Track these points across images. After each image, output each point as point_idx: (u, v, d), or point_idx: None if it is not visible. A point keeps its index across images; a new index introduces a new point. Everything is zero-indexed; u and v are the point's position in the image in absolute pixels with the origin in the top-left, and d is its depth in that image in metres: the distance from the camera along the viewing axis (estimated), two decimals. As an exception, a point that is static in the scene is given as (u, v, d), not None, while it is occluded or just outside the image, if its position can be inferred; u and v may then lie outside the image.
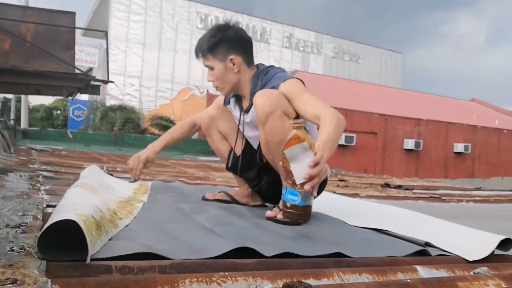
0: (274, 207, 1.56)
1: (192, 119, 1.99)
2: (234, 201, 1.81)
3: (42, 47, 6.23)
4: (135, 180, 2.03)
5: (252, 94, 1.59)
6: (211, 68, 1.62)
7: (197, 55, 1.65)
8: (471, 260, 1.11)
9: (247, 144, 1.76)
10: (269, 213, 1.49)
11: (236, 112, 1.73)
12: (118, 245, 0.92)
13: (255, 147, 1.72)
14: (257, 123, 1.54)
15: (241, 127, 1.72)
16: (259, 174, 1.73)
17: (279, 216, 1.45)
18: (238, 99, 1.72)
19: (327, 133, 1.36)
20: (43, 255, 0.79)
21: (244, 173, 1.77)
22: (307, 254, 1.01)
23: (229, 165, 1.80)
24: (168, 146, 2.04)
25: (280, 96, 1.50)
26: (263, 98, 1.49)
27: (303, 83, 1.57)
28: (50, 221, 0.81)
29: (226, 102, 1.79)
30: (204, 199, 1.81)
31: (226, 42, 1.59)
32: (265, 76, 1.60)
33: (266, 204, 1.82)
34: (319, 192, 1.60)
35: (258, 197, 1.82)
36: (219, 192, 1.85)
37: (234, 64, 1.60)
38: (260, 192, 1.78)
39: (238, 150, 1.77)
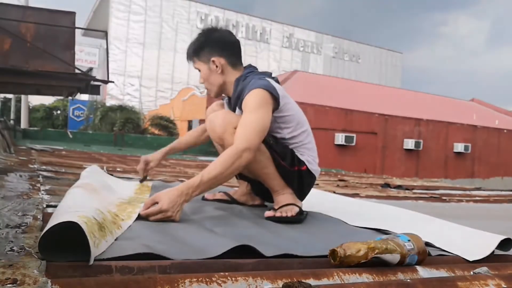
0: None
1: (204, 125, 1.99)
2: (233, 200, 1.81)
3: (42, 47, 6.23)
4: (141, 180, 2.07)
5: (233, 99, 1.66)
6: (199, 70, 1.68)
7: (187, 59, 1.72)
8: (471, 260, 1.11)
9: None
10: (268, 213, 1.53)
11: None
12: (119, 245, 0.92)
13: None
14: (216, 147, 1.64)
15: None
16: None
17: (278, 214, 1.51)
18: (228, 98, 1.76)
19: (207, 170, 1.38)
20: (43, 256, 0.79)
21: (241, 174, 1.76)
22: (307, 254, 1.01)
23: None
24: (175, 150, 2.03)
25: (227, 113, 1.59)
26: (211, 119, 1.56)
27: (273, 94, 1.54)
28: (51, 223, 0.81)
29: (225, 103, 1.82)
30: (204, 199, 1.81)
31: (209, 45, 1.64)
32: (243, 82, 1.62)
33: (266, 204, 1.82)
34: (298, 190, 1.64)
35: (258, 196, 1.82)
36: (218, 192, 1.85)
37: (217, 66, 1.63)
38: (259, 191, 1.78)
39: None
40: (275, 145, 1.58)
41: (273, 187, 1.60)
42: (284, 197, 1.60)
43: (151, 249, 0.89)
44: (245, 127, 1.46)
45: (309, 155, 1.65)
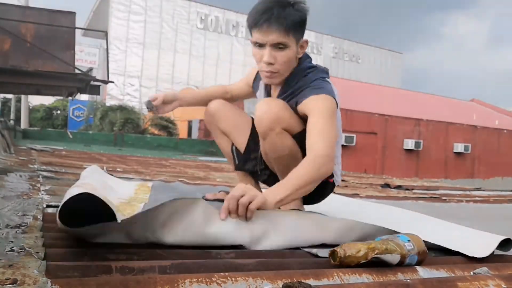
0: None
1: (223, 86, 1.78)
2: None
3: (42, 47, 6.24)
4: (151, 108, 1.65)
5: (282, 91, 1.46)
6: (282, 47, 1.35)
7: (265, 23, 1.31)
8: (471, 255, 1.11)
9: (251, 138, 1.64)
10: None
11: (261, 98, 1.60)
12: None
13: None
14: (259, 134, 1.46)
15: None
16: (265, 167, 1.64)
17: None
18: (266, 85, 1.55)
19: (291, 176, 1.22)
20: (65, 224, 0.86)
21: (247, 167, 1.68)
22: (308, 251, 1.02)
23: (237, 163, 1.71)
24: (195, 101, 1.74)
25: (282, 110, 1.39)
26: (262, 112, 1.39)
27: (337, 104, 1.41)
28: (69, 195, 0.87)
29: (256, 85, 1.63)
30: (204, 199, 1.80)
31: (306, 21, 1.37)
32: (304, 78, 1.44)
33: None
34: (317, 201, 1.60)
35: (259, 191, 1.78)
36: (219, 192, 1.84)
37: (302, 49, 1.42)
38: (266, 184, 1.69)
39: (242, 148, 1.67)
40: None
41: None
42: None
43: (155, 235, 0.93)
44: (328, 135, 1.30)
45: (338, 168, 1.57)
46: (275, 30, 1.31)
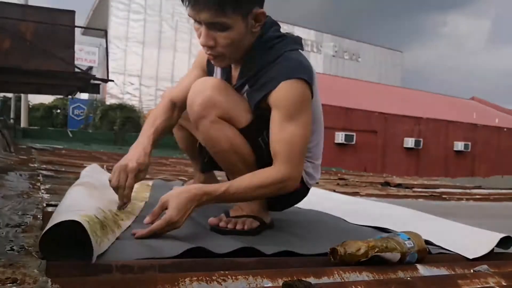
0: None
1: (169, 98, 1.36)
2: None
3: (42, 46, 6.23)
4: (124, 205, 1.19)
5: (243, 74, 1.18)
6: (225, 28, 1.06)
7: (192, 5, 1.03)
8: (471, 258, 1.11)
9: None
10: (213, 220, 1.18)
11: None
12: (119, 245, 0.92)
13: None
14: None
15: None
16: None
17: (222, 224, 1.17)
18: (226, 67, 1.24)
19: (236, 182, 1.08)
20: (44, 255, 0.79)
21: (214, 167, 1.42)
22: (308, 252, 1.01)
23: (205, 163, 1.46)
24: (159, 142, 1.33)
25: (219, 92, 1.13)
26: (194, 93, 1.14)
27: (311, 91, 1.15)
28: (53, 222, 0.81)
29: (211, 67, 1.29)
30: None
31: None
32: (269, 52, 1.15)
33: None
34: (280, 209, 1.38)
35: None
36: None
37: (257, 22, 1.11)
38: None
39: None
40: (267, 151, 1.16)
41: None
42: (248, 205, 1.22)
43: (154, 253, 0.88)
44: (291, 145, 1.10)
45: (312, 166, 1.30)
46: (204, 7, 1.02)
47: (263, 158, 1.17)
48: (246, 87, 1.19)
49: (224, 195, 1.07)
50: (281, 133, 1.11)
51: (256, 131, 1.18)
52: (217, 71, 1.28)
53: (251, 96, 1.17)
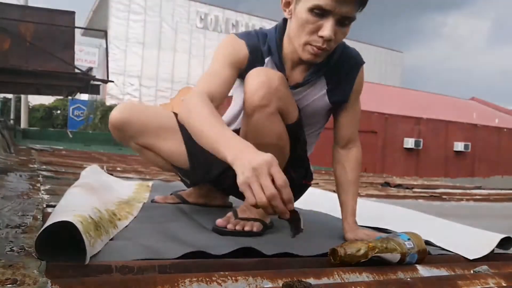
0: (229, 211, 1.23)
1: (206, 92, 1.09)
2: (185, 202, 1.54)
3: (41, 47, 6.24)
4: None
5: (320, 67, 1.16)
6: (348, 25, 1.07)
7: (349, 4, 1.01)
8: (471, 258, 1.11)
9: (187, 139, 1.28)
10: (220, 222, 1.16)
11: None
12: (117, 245, 0.92)
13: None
14: (243, 111, 1.13)
15: None
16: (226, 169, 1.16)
17: (231, 227, 1.15)
18: (280, 63, 1.18)
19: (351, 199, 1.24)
20: (41, 257, 0.79)
21: (207, 177, 1.35)
22: (308, 253, 1.01)
23: (192, 180, 1.39)
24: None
25: (284, 85, 1.10)
26: (258, 82, 1.06)
27: None
28: (48, 223, 0.81)
29: (251, 66, 1.13)
30: (153, 201, 1.56)
31: None
32: (342, 47, 1.20)
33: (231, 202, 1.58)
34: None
35: (219, 194, 1.52)
36: (170, 195, 1.59)
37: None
38: (225, 187, 1.42)
39: (179, 157, 1.34)
40: (300, 147, 1.23)
41: None
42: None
43: (150, 252, 0.88)
44: (358, 123, 1.26)
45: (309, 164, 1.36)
46: (351, 1, 1.01)
47: (291, 154, 1.20)
48: (307, 85, 1.19)
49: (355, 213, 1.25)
50: (355, 115, 1.25)
51: (299, 129, 1.21)
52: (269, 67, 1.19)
53: (335, 91, 1.20)
